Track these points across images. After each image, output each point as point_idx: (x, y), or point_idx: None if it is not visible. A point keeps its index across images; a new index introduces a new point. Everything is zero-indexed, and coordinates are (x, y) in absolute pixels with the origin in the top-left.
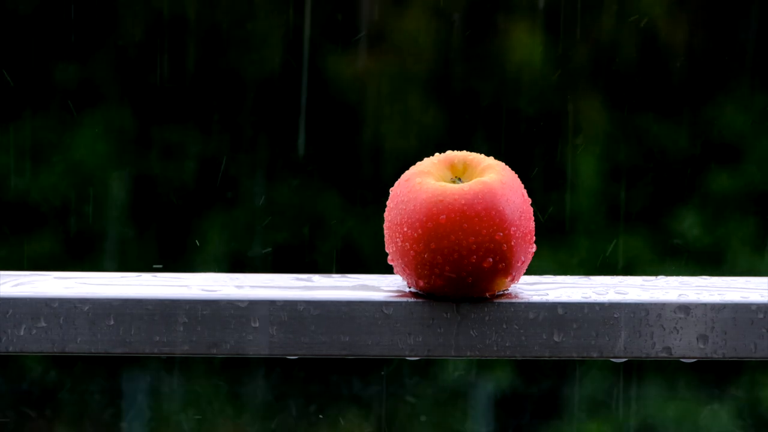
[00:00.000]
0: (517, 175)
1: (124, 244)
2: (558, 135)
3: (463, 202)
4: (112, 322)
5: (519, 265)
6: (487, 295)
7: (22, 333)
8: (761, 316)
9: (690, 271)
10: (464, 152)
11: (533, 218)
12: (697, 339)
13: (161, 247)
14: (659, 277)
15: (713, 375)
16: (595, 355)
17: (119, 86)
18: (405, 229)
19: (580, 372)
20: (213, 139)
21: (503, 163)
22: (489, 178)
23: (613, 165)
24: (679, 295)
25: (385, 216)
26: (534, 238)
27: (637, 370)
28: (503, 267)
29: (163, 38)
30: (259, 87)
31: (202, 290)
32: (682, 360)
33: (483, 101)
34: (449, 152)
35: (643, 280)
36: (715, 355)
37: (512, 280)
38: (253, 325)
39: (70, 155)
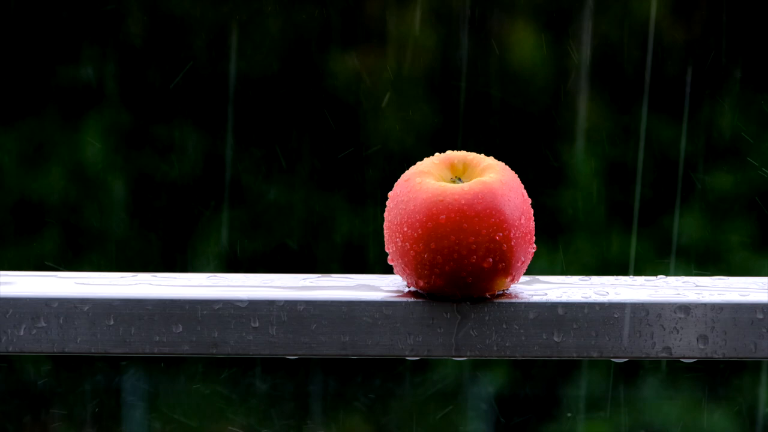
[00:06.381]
0: (517, 175)
1: (125, 244)
2: (558, 134)
3: (463, 202)
4: (112, 322)
5: (519, 265)
6: (487, 295)
7: (22, 333)
8: (761, 316)
9: (690, 271)
10: (464, 152)
11: (533, 218)
12: (697, 339)
13: (161, 246)
14: (659, 277)
15: (713, 375)
16: (595, 355)
17: (120, 86)
18: (405, 229)
19: (580, 372)
20: (213, 139)
21: (503, 163)
22: (489, 178)
23: (613, 164)
24: (679, 295)
25: (385, 216)
26: (534, 238)
27: (637, 370)
28: (503, 267)
29: (164, 38)
30: (259, 86)
31: (202, 290)
32: (682, 360)
33: (483, 101)
34: (449, 152)
35: (644, 280)
36: (715, 355)
37: (512, 280)
38: (253, 325)
39: (71, 155)
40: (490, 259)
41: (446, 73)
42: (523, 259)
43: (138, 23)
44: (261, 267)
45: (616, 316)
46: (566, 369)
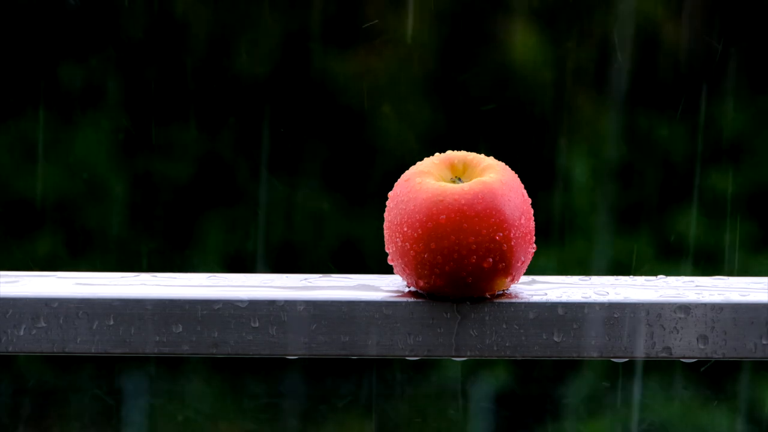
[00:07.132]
0: (517, 175)
1: (124, 243)
2: (557, 134)
3: (463, 202)
4: (112, 322)
5: (519, 265)
6: (487, 295)
7: (22, 333)
8: (761, 316)
9: (690, 271)
10: (464, 152)
11: (533, 218)
12: (697, 339)
13: (161, 246)
14: (659, 277)
15: (713, 375)
16: (595, 355)
17: (120, 86)
18: (405, 229)
19: (579, 372)
20: (213, 138)
21: (503, 163)
22: (489, 178)
23: (612, 164)
24: (679, 295)
25: (385, 216)
26: (534, 238)
27: (637, 370)
28: (503, 267)
29: (164, 38)
30: (258, 86)
31: (202, 290)
32: (682, 360)
33: (483, 101)
34: (449, 152)
35: (644, 280)
36: (715, 355)
37: (512, 280)
38: (253, 325)
39: (71, 155)
40: (490, 259)
41: (446, 73)
42: (523, 259)
43: (138, 22)
44: (261, 267)
45: (616, 316)
46: (566, 369)
